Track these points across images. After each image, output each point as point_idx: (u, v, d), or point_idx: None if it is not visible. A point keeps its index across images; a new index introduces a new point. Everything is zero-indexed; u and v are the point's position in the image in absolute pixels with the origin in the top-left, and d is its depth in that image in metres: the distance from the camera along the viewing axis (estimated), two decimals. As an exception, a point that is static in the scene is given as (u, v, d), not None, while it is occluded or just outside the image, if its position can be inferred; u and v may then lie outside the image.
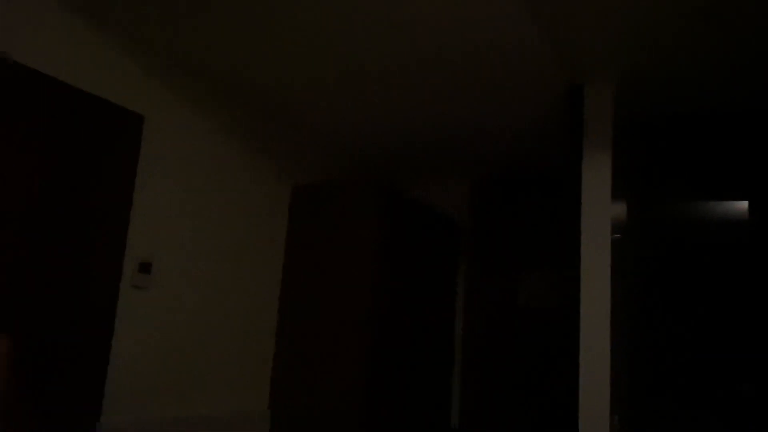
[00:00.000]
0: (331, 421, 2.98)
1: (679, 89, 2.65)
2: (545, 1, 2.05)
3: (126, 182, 2.38)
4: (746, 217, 2.77)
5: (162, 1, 2.17)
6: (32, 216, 2.02)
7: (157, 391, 2.55)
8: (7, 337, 1.94)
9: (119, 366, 2.36)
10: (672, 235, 2.85)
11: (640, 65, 2.46)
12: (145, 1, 2.18)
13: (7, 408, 1.93)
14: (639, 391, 2.79)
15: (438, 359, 3.71)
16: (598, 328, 2.42)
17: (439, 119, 3.11)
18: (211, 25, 2.31)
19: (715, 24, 2.15)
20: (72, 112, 2.19)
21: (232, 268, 2.96)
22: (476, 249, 3.97)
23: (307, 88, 2.83)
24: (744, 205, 2.78)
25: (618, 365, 2.54)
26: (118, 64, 2.39)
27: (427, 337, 3.58)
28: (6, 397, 1.91)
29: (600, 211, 2.49)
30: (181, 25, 2.33)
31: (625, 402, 2.70)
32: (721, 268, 2.78)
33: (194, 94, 2.77)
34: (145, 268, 2.49)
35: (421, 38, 2.29)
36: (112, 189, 2.31)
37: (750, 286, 2.71)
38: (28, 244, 2.01)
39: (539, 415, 3.58)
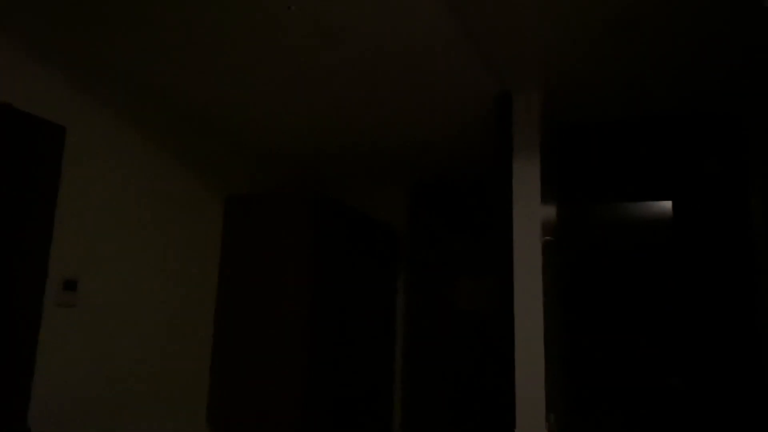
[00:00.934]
0: (271, 435, 2.94)
1: (603, 95, 2.71)
2: (470, 10, 2.09)
3: (47, 195, 2.33)
4: (670, 216, 2.88)
5: (87, 12, 2.13)
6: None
7: (88, 413, 2.48)
8: None
9: (45, 388, 2.29)
10: (601, 235, 2.92)
11: (566, 73, 2.52)
12: (69, 12, 2.14)
13: None
14: (574, 389, 2.86)
15: (379, 365, 3.69)
16: (532, 329, 2.46)
17: (370, 126, 3.08)
18: (137, 35, 2.27)
19: (635, 34, 2.21)
20: (-12, 126, 2.13)
21: (165, 283, 2.89)
22: (414, 255, 3.97)
23: (235, 98, 2.79)
24: (668, 204, 2.89)
25: (552, 364, 2.58)
26: (38, 73, 2.33)
27: (367, 343, 3.55)
28: None
29: (530, 214, 2.54)
30: (106, 36, 2.29)
31: (561, 401, 2.74)
32: (648, 265, 2.88)
33: (121, 104, 2.71)
34: (70, 285, 2.43)
35: (347, 44, 2.29)
36: (32, 203, 2.25)
37: (676, 282, 2.80)
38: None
39: (478, 414, 3.58)
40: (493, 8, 2.08)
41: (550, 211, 2.75)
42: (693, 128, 2.92)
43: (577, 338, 2.89)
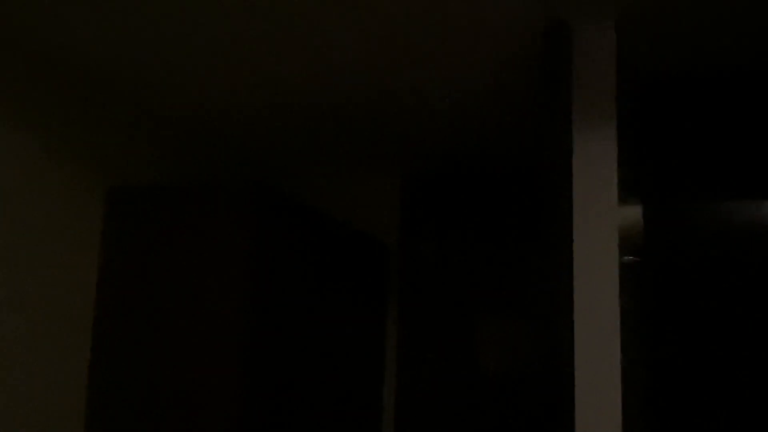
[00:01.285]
0: None
1: (716, 30, 2.12)
2: None
3: None
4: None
5: None
6: None
7: None
8: None
9: None
10: (714, 252, 2.30)
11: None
12: None
13: None
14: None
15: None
16: (604, 405, 1.99)
17: (344, 84, 2.62)
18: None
19: None
20: None
21: (12, 309, 2.35)
22: (410, 281, 3.51)
23: (124, 38, 2.20)
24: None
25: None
26: None
27: (337, 404, 3.07)
28: None
29: (601, 220, 2.05)
30: None
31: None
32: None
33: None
34: None
35: None
36: None
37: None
38: None
39: None
40: None
41: (632, 215, 2.29)
42: None
43: (674, 416, 2.26)
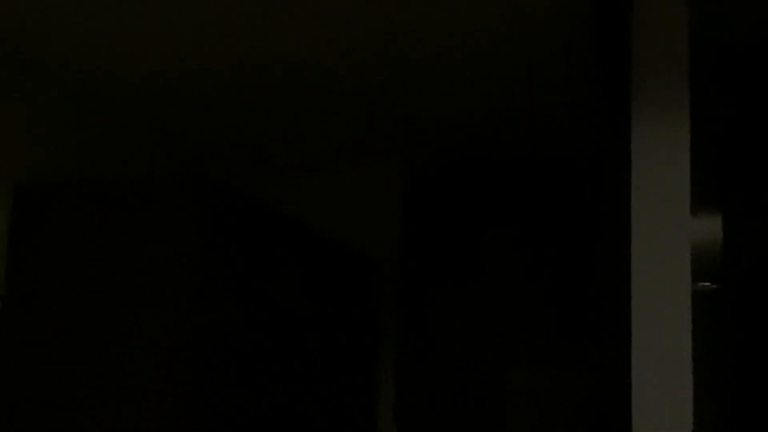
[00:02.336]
0: None
1: None
2: None
3: None
4: None
5: None
6: None
7: None
8: None
9: None
10: None
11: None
12: None
13: None
14: None
15: None
16: None
17: (338, 52, 2.29)
18: None
19: None
20: None
21: None
22: (414, 306, 3.14)
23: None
24: None
25: None
26: None
27: None
28: None
29: (668, 235, 1.85)
30: None
31: None
32: None
33: None
34: None
35: None
36: None
37: None
38: None
39: None
40: None
41: (709, 228, 2.09)
42: None
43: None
